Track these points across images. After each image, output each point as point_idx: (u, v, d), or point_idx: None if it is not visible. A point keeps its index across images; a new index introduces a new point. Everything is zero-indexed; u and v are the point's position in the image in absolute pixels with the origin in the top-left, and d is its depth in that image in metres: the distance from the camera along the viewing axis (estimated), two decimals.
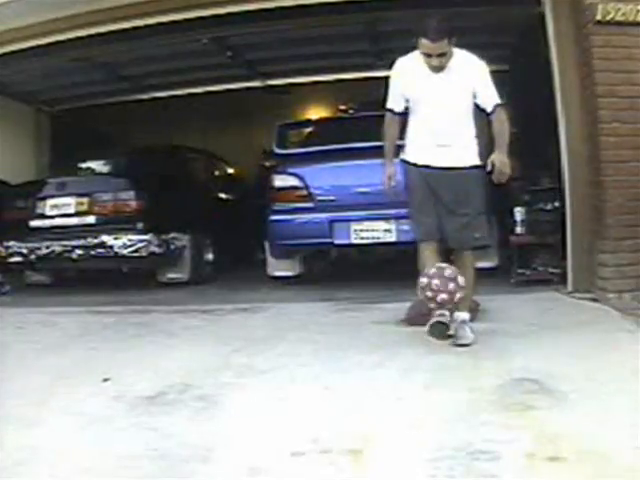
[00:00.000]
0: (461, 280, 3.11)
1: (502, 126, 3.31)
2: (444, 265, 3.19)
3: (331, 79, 8.53)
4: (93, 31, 5.47)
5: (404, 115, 3.46)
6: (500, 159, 3.24)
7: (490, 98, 3.31)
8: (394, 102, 3.44)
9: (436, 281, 3.08)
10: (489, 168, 3.26)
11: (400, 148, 3.48)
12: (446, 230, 3.32)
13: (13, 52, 5.71)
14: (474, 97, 3.32)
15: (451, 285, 3.08)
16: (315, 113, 9.75)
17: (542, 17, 4.76)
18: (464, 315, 3.29)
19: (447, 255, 3.42)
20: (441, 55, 3.21)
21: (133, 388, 2.68)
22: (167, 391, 2.63)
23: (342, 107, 9.36)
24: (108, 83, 8.17)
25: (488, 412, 2.20)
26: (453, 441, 1.96)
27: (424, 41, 3.19)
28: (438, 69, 3.26)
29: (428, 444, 1.95)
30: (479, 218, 3.35)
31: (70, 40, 5.57)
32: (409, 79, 3.35)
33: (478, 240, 3.34)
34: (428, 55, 3.22)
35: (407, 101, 3.40)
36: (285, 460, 1.91)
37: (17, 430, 2.24)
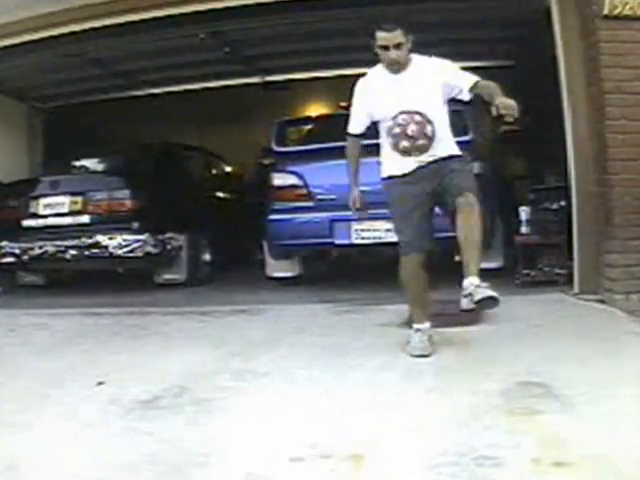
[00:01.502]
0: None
1: (489, 84, 3.28)
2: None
3: (331, 75, 8.52)
4: (87, 26, 5.47)
5: (363, 136, 3.52)
6: (501, 100, 3.14)
7: (465, 79, 3.30)
8: (355, 124, 3.50)
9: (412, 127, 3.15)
10: (495, 113, 3.15)
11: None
12: (443, 197, 3.28)
13: (5, 47, 5.70)
14: (446, 93, 3.31)
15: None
16: (315, 110, 9.75)
17: (548, 11, 4.76)
18: (475, 280, 3.02)
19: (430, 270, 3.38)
20: (398, 46, 3.23)
21: (128, 392, 2.68)
22: (163, 395, 2.63)
23: (342, 104, 9.36)
24: (102, 79, 8.17)
25: (492, 416, 2.20)
26: (456, 446, 1.96)
27: (379, 34, 3.24)
28: (396, 65, 3.28)
29: (431, 449, 1.95)
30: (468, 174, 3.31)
31: (63, 35, 5.56)
32: (372, 95, 3.38)
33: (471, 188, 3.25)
34: (385, 48, 3.25)
35: (372, 120, 3.42)
36: (284, 466, 1.92)
37: (8, 435, 2.24)
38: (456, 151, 3.34)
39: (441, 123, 3.30)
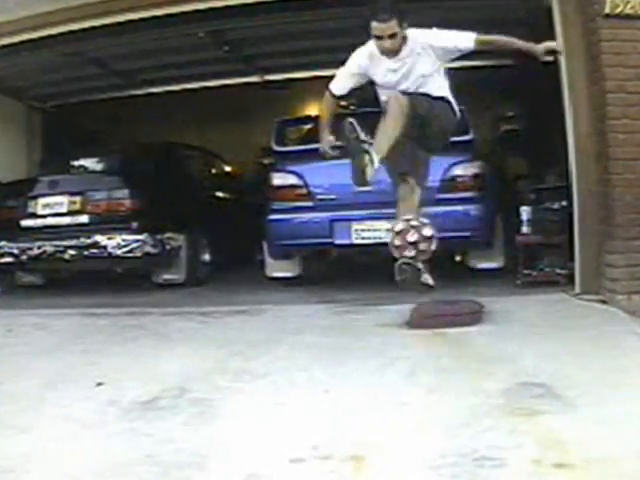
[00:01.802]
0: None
1: (499, 36, 3.47)
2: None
3: (331, 74, 8.49)
4: (86, 25, 5.47)
5: (340, 99, 3.71)
6: (545, 45, 3.31)
7: (463, 37, 3.39)
8: (338, 84, 3.65)
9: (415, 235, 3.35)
10: (547, 58, 3.34)
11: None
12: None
13: (3, 46, 5.71)
14: (447, 57, 3.44)
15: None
16: (315, 109, 9.74)
17: (549, 10, 4.75)
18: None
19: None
20: (392, 36, 3.32)
21: (127, 393, 2.68)
22: (162, 396, 2.63)
23: (343, 103, 9.37)
24: (101, 78, 8.16)
25: (493, 417, 2.20)
26: (457, 447, 1.96)
27: (374, 23, 3.32)
28: (391, 52, 3.37)
29: (431, 450, 1.95)
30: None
31: (62, 34, 5.57)
32: (371, 65, 3.53)
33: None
34: (379, 37, 3.35)
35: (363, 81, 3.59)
36: (284, 467, 1.91)
37: (8, 436, 2.24)
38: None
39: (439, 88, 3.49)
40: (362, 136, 3.25)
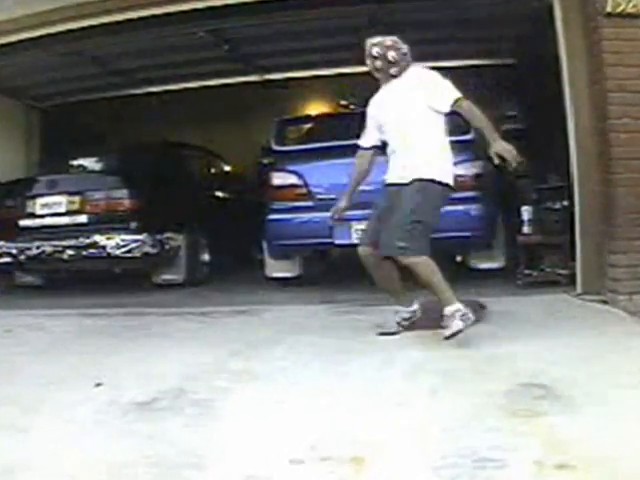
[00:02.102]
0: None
1: (474, 114, 3.37)
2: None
3: (332, 73, 8.52)
4: (85, 24, 5.47)
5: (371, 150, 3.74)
6: (500, 148, 3.25)
7: (446, 95, 3.39)
8: (363, 137, 3.76)
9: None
10: (497, 162, 3.28)
11: None
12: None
13: (2, 45, 5.70)
14: (430, 106, 3.42)
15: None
16: (315, 109, 9.75)
17: (550, 9, 4.76)
18: (449, 307, 3.27)
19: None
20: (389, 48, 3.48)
21: (126, 393, 2.68)
22: (161, 396, 2.62)
23: (343, 102, 9.38)
24: (100, 78, 8.17)
25: (494, 418, 2.20)
26: (458, 448, 1.95)
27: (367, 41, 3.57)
28: (377, 73, 3.56)
29: (432, 451, 1.95)
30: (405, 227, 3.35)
31: (61, 33, 5.57)
32: (376, 107, 3.67)
33: (401, 249, 3.33)
34: (372, 58, 3.55)
35: (381, 133, 3.65)
36: (283, 468, 1.91)
37: (6, 437, 2.24)
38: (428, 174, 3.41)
39: (422, 136, 3.44)
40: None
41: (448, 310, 3.26)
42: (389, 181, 3.60)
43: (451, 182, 3.46)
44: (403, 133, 3.50)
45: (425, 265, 3.30)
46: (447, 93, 3.39)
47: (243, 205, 7.36)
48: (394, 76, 3.56)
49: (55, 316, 4.76)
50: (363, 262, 3.63)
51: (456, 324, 3.20)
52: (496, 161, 3.30)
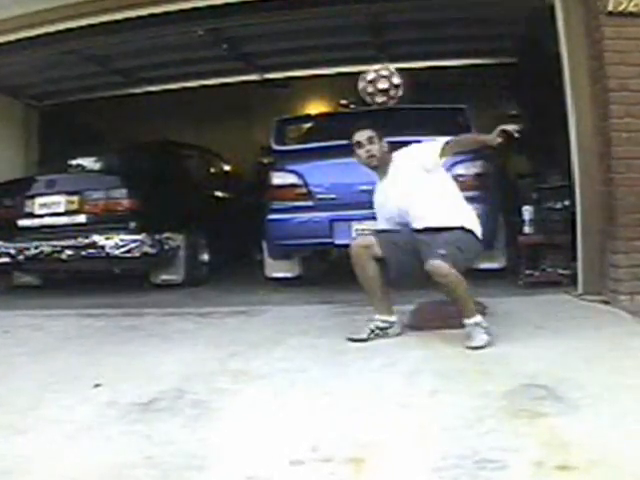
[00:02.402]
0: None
1: (460, 141, 3.55)
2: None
3: (332, 72, 8.53)
4: (83, 22, 5.48)
5: None
6: (500, 128, 3.32)
7: (436, 149, 3.46)
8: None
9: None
10: (500, 139, 3.33)
11: None
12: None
13: (0, 44, 5.70)
14: (428, 170, 3.48)
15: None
16: (315, 108, 9.76)
17: (551, 8, 4.76)
18: (473, 319, 3.31)
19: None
20: (370, 140, 3.56)
21: (125, 394, 2.68)
22: (161, 397, 2.63)
23: (343, 102, 9.38)
24: (99, 77, 8.18)
25: (495, 419, 2.20)
26: (459, 449, 1.96)
27: (352, 139, 3.61)
28: (376, 164, 3.60)
29: (433, 452, 1.95)
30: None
31: (60, 32, 5.57)
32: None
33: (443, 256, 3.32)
34: (358, 146, 3.59)
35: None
36: (283, 469, 1.91)
37: (4, 438, 2.24)
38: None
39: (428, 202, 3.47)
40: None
41: (472, 321, 3.29)
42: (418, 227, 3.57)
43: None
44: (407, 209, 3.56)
45: (456, 275, 3.29)
46: (431, 147, 3.48)
47: (243, 205, 7.37)
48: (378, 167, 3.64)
49: (54, 316, 4.77)
50: (353, 259, 3.58)
51: (481, 338, 3.22)
52: (498, 140, 3.32)
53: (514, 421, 2.18)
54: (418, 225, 3.49)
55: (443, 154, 3.45)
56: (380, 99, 3.69)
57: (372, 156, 3.58)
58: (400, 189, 3.51)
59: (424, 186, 3.45)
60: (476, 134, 3.52)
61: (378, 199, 3.72)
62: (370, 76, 3.71)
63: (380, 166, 3.63)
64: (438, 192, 3.47)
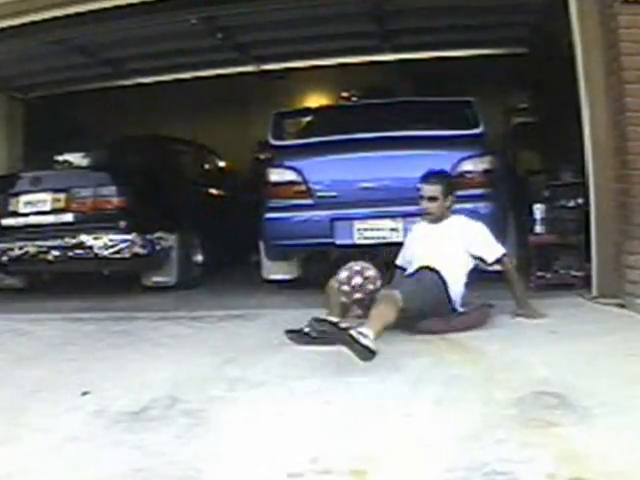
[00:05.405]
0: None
1: (513, 275, 4.06)
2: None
3: (332, 63, 8.53)
4: (71, 11, 5.48)
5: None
6: (522, 313, 4.04)
7: (493, 250, 4.01)
8: (400, 257, 4.25)
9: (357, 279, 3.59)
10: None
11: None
12: None
13: None
14: (471, 256, 3.98)
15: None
16: (315, 101, 9.77)
17: None
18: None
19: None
20: (432, 199, 3.98)
21: (115, 402, 2.68)
22: (152, 406, 2.63)
23: (344, 94, 9.40)
24: (88, 68, 8.18)
25: (504, 429, 2.21)
26: (466, 461, 1.96)
27: (420, 184, 4.04)
28: (430, 216, 4.03)
29: (439, 464, 1.95)
30: None
31: (46, 20, 5.57)
32: (411, 239, 4.22)
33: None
34: (421, 197, 4.03)
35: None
36: None
37: None
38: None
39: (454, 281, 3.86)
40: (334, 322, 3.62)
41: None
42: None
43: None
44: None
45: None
46: (494, 248, 4.01)
47: (239, 203, 7.37)
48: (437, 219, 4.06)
49: (39, 321, 4.77)
50: (327, 292, 3.76)
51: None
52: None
53: (525, 431, 2.18)
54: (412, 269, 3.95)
55: (494, 264, 4.02)
56: (358, 295, 3.59)
57: (430, 214, 4.04)
58: (437, 246, 3.91)
59: (452, 258, 3.88)
60: (522, 289, 4.16)
61: (417, 231, 4.18)
62: (343, 275, 3.65)
63: (437, 218, 4.06)
64: (455, 266, 3.90)
